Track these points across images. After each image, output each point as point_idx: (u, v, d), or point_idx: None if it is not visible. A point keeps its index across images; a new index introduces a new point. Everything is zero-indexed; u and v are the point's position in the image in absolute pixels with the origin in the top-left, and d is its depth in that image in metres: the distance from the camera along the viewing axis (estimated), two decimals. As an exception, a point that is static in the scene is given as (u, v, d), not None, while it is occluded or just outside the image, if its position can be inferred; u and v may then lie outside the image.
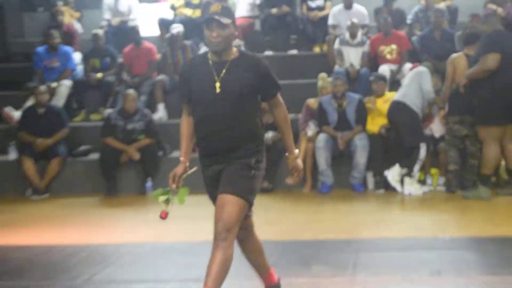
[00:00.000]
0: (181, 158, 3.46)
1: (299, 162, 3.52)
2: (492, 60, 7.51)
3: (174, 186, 3.34)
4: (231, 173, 3.33)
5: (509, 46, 7.74)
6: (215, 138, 3.35)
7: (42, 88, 9.63)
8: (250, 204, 3.36)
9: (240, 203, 3.25)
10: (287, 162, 3.56)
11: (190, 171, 3.40)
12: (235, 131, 3.35)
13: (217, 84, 3.28)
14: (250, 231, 3.57)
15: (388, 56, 10.00)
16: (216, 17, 3.25)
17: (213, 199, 3.39)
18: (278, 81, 3.46)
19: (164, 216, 3.33)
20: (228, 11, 3.38)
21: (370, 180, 8.80)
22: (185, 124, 3.51)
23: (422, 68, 8.70)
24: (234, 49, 3.40)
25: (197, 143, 3.54)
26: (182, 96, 3.56)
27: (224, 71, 3.31)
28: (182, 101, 3.54)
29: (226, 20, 3.26)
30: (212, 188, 3.38)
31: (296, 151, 3.52)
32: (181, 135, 3.54)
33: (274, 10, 11.40)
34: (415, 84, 8.50)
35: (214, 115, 3.33)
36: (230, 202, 3.25)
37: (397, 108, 8.41)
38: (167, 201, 3.37)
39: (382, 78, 9.25)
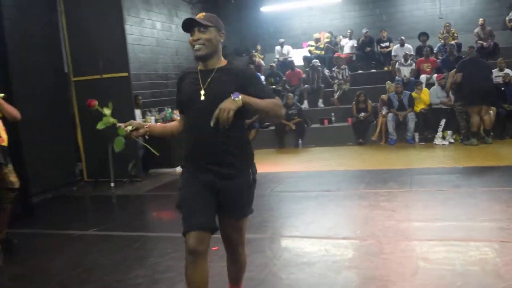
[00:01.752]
0: (147, 125, 2.94)
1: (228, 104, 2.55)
2: (457, 77, 9.48)
3: (123, 125, 2.86)
4: (236, 196, 2.80)
5: (468, 67, 9.48)
6: (202, 146, 2.72)
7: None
8: None
9: (246, 220, 2.92)
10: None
11: (129, 126, 2.89)
12: (222, 140, 2.69)
13: (202, 92, 2.68)
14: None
15: (426, 70, 11.81)
16: (196, 18, 2.69)
17: (193, 193, 2.76)
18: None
19: (91, 103, 2.84)
20: (211, 18, 2.74)
21: (416, 137, 10.49)
22: (175, 126, 3.01)
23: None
24: (223, 59, 2.79)
25: (185, 155, 2.83)
26: (176, 105, 2.96)
27: (209, 79, 2.71)
28: (177, 109, 3.01)
29: (206, 22, 2.68)
30: (197, 188, 2.75)
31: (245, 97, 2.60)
32: (165, 126, 3.13)
33: (366, 49, 13.81)
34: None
35: (200, 123, 2.68)
36: (243, 225, 2.90)
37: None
38: (107, 119, 2.94)
39: (421, 83, 11.02)
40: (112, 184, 8.13)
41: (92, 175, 8.76)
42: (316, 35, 14.49)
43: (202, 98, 2.70)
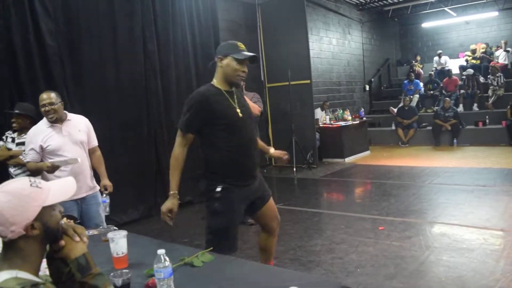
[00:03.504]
0: (173, 192, 2.47)
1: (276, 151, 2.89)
2: None
3: (171, 222, 2.47)
4: (263, 183, 2.73)
5: None
6: (249, 158, 2.55)
7: (407, 98, 11.62)
8: None
9: None
10: (272, 154, 2.90)
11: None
12: (255, 150, 2.66)
13: (238, 110, 2.48)
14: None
15: None
16: (254, 54, 2.48)
17: (234, 221, 2.52)
18: None
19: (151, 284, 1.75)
20: None
21: None
22: (181, 156, 2.51)
23: None
24: None
25: (225, 167, 2.47)
26: (190, 126, 2.48)
27: (235, 99, 2.53)
28: (187, 132, 2.50)
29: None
30: (238, 215, 2.56)
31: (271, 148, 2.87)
32: (174, 167, 2.49)
33: None
34: None
35: (245, 138, 2.52)
36: (274, 204, 2.80)
37: None
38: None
39: None
40: (294, 169, 8.28)
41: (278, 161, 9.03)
42: (473, 46, 13.44)
43: (240, 115, 2.52)
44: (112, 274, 1.76)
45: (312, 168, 8.49)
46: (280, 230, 4.63)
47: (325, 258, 3.84)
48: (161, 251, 1.70)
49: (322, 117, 9.84)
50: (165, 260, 1.69)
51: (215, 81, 2.56)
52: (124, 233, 2.12)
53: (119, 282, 1.72)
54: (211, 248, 2.24)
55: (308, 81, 8.53)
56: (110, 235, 2.10)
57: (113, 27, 5.53)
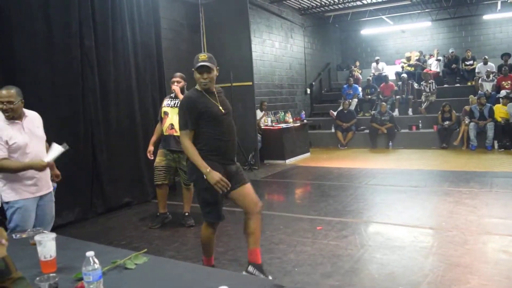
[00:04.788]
0: (209, 169, 2.91)
1: None
2: None
3: (227, 187, 2.94)
4: (242, 170, 3.20)
5: None
6: (231, 145, 3.08)
7: (346, 102, 11.99)
8: None
9: None
10: None
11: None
12: (234, 139, 3.13)
13: (220, 107, 3.01)
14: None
15: (506, 86, 10.91)
16: (205, 63, 2.93)
17: (219, 196, 3.01)
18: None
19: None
20: (212, 60, 2.98)
21: (496, 145, 9.94)
22: (194, 147, 2.96)
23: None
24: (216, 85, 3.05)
25: (212, 149, 2.97)
26: (191, 124, 2.96)
27: (217, 98, 3.04)
28: (190, 128, 2.96)
29: (212, 66, 2.95)
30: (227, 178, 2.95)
31: None
32: (194, 153, 2.94)
33: (452, 66, 13.16)
34: None
35: (228, 130, 3.05)
36: (251, 188, 3.16)
37: None
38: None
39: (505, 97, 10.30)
40: (236, 171, 8.16)
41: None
42: (408, 54, 14.13)
43: (222, 111, 3.03)
44: (38, 278, 1.65)
45: (254, 170, 8.52)
46: (219, 231, 4.56)
47: (264, 258, 3.78)
48: (89, 253, 1.64)
49: (262, 118, 9.90)
50: (94, 262, 1.63)
51: (197, 87, 3.08)
52: (52, 235, 2.02)
53: (45, 286, 1.63)
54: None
55: (250, 83, 8.56)
56: (37, 237, 1.99)
57: (48, 21, 5.24)
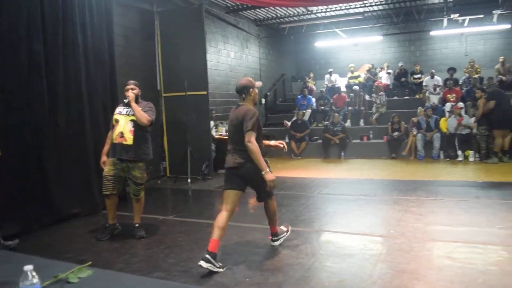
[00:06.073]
0: (268, 169, 3.57)
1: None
2: (490, 104, 9.17)
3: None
4: (257, 173, 3.72)
5: (497, 97, 9.23)
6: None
7: (300, 112, 12.06)
8: None
9: None
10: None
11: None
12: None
13: None
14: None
15: (451, 99, 11.29)
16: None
17: (235, 184, 3.85)
18: None
19: None
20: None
21: (442, 154, 10.28)
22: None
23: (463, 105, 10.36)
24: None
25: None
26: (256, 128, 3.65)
27: None
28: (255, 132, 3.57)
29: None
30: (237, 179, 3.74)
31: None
32: (260, 154, 3.56)
33: (401, 79, 13.59)
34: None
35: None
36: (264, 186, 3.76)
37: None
38: None
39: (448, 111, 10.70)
40: (189, 180, 8.11)
41: (173, 172, 8.87)
42: (351, 66, 14.44)
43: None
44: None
45: (207, 179, 8.44)
46: (172, 242, 4.58)
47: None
48: (28, 267, 1.56)
49: (213, 127, 9.76)
50: (32, 277, 1.55)
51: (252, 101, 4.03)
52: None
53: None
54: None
55: (205, 92, 8.49)
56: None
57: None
